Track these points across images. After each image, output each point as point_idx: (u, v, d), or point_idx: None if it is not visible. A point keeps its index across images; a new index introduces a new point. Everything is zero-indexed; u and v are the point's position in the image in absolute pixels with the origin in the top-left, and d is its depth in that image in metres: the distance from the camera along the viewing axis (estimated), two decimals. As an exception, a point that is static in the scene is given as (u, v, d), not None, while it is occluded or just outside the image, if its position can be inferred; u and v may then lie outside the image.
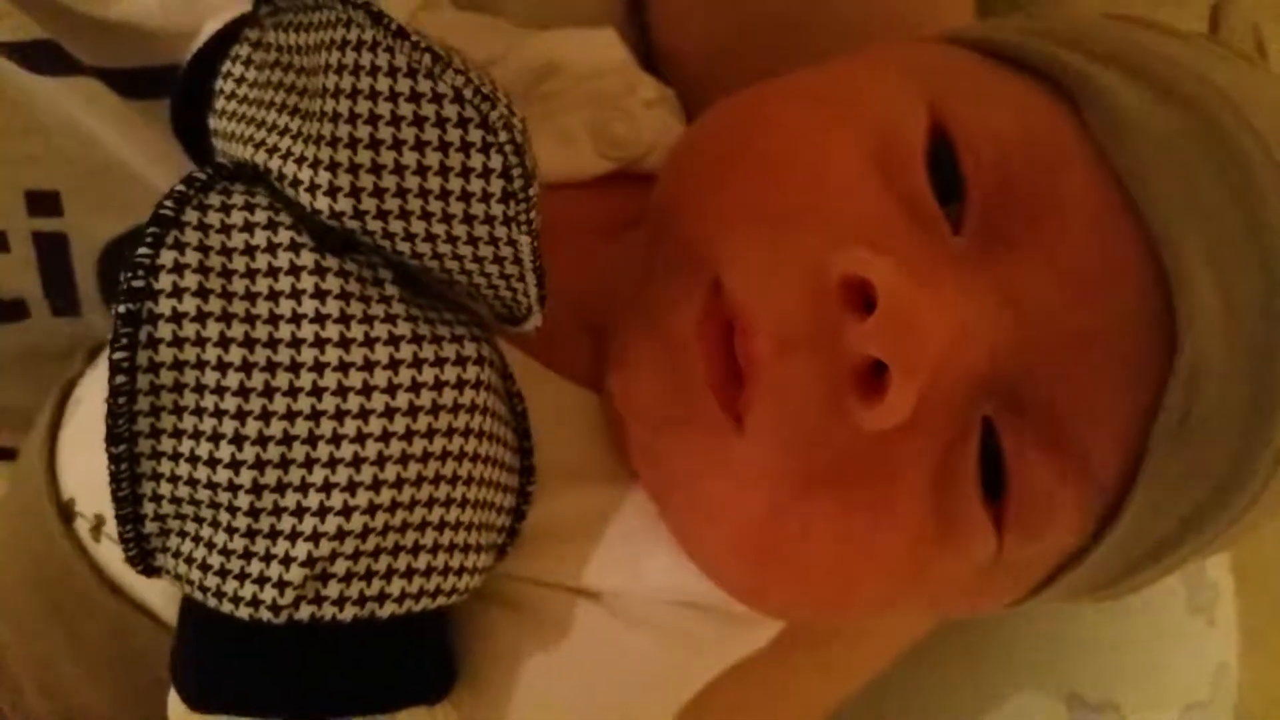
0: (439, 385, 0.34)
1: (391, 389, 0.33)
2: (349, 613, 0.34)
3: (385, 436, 0.33)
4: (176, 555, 0.35)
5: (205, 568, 0.34)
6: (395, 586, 0.34)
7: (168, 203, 0.33)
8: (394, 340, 0.33)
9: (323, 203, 0.32)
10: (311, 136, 0.33)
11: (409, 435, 0.33)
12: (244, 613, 0.34)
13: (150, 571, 0.36)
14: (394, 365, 0.33)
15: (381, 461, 0.33)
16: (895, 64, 0.39)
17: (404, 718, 0.37)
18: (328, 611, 0.34)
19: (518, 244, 0.33)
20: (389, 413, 0.33)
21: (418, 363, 0.33)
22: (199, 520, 0.34)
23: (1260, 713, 0.95)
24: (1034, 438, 0.35)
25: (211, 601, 0.34)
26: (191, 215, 0.33)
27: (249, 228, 0.34)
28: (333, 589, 0.34)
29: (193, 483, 0.33)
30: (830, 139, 0.37)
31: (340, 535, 0.33)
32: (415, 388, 0.33)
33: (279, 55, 0.35)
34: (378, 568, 0.34)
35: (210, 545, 0.34)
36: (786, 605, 0.42)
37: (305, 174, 0.33)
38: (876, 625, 0.56)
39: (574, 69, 0.48)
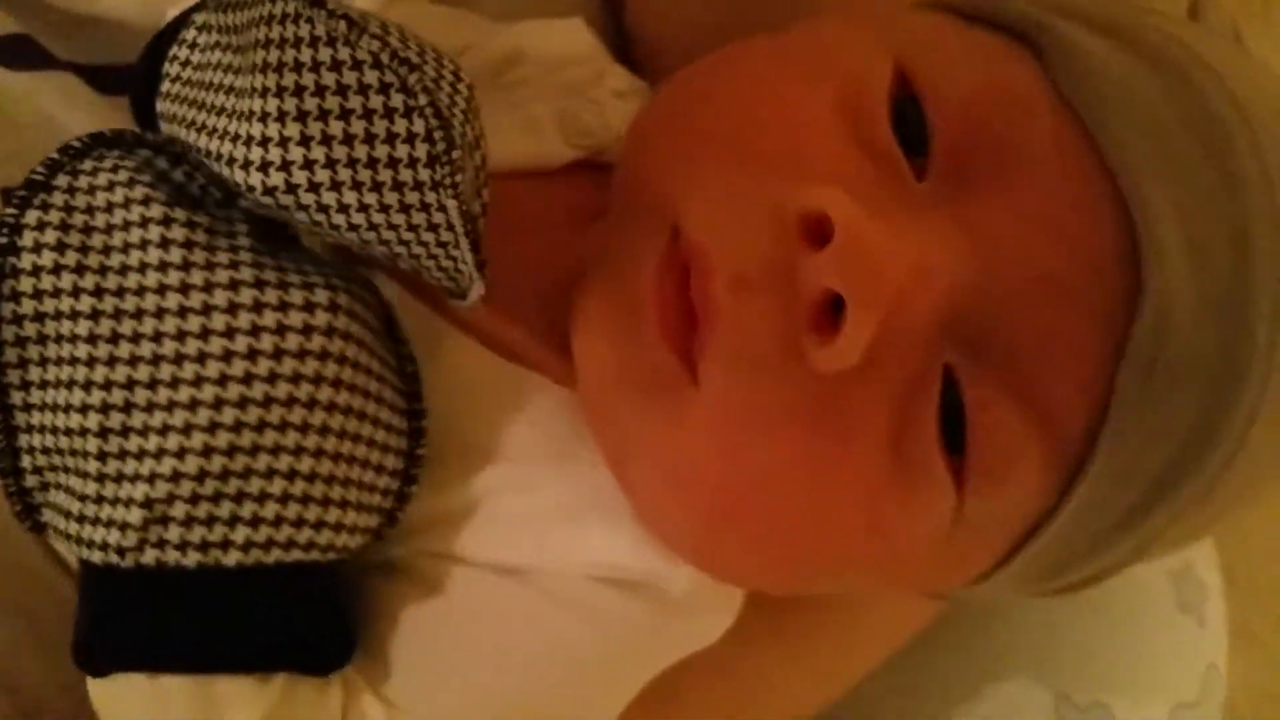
0: (282, 329, 0.34)
1: (229, 332, 0.34)
2: (192, 558, 0.35)
3: (223, 380, 0.34)
4: (53, 507, 0.36)
5: (68, 515, 0.36)
6: (239, 534, 0.35)
7: (40, 168, 0.36)
8: (234, 285, 0.34)
9: (256, 179, 0.33)
10: (244, 114, 0.33)
11: (248, 379, 0.34)
12: (97, 557, 0.35)
13: (37, 528, 0.37)
14: (233, 309, 0.34)
15: (218, 405, 0.34)
16: (861, 23, 0.39)
17: (282, 682, 0.37)
18: (170, 556, 0.35)
19: (446, 209, 0.33)
20: (227, 356, 0.34)
21: (258, 307, 0.34)
22: (66, 469, 0.36)
23: (1250, 712, 0.95)
24: (996, 387, 0.34)
25: (76, 549, 0.36)
26: (62, 180, 0.36)
27: (111, 187, 0.35)
28: (173, 533, 0.34)
29: (55, 431, 0.35)
30: (792, 89, 0.37)
31: (176, 477, 0.34)
32: (255, 331, 0.34)
33: (219, 36, 0.36)
34: (219, 513, 0.35)
35: (71, 492, 0.36)
36: (746, 565, 0.40)
37: (239, 151, 0.33)
38: (865, 620, 0.56)
39: (542, 58, 0.48)
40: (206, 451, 0.34)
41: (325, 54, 0.32)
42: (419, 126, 0.32)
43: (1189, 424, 0.34)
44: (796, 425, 0.35)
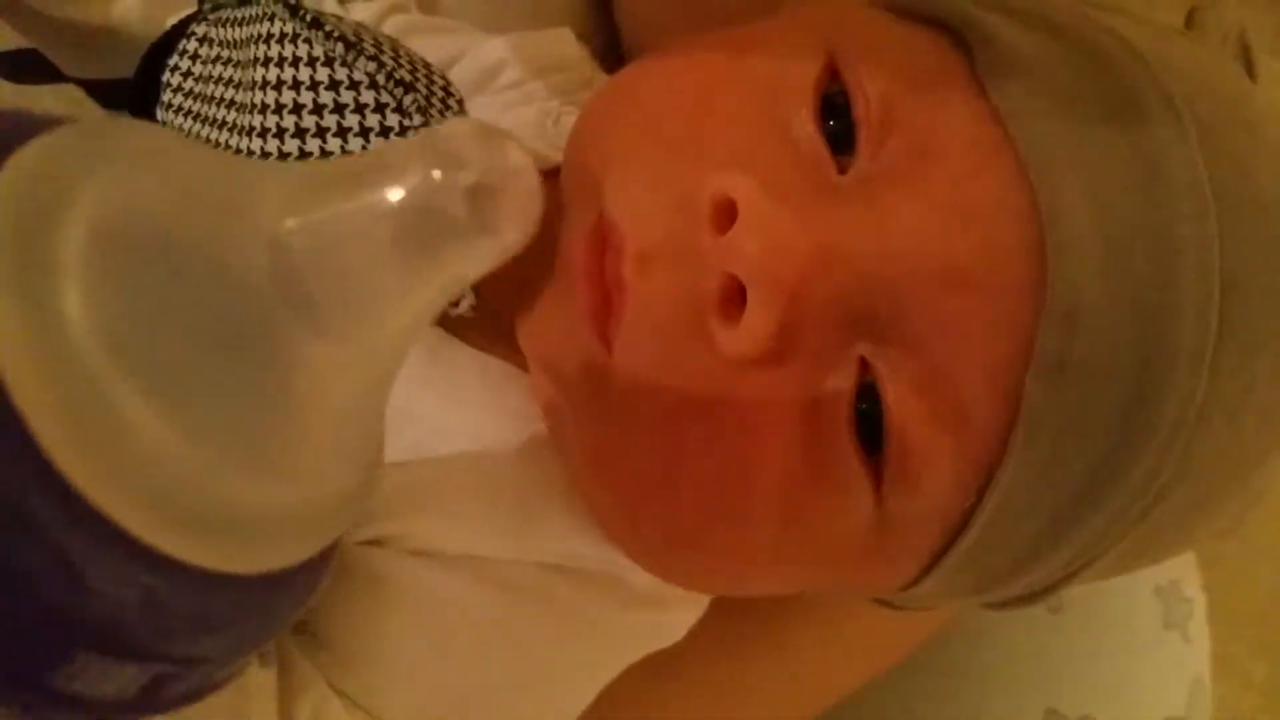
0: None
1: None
2: None
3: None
4: None
5: None
6: None
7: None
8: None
9: None
10: (243, 129, 0.34)
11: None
12: None
13: None
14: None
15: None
16: (801, 19, 0.40)
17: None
18: None
19: None
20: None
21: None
22: None
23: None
24: (910, 382, 0.34)
25: None
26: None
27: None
28: None
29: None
30: (721, 81, 0.37)
31: None
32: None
33: (220, 50, 0.37)
34: None
35: None
36: (668, 557, 0.40)
37: None
38: (850, 634, 0.56)
39: (528, 65, 0.48)
40: None
41: (323, 74, 0.33)
42: (392, 120, 0.33)
43: (1110, 428, 0.34)
44: (704, 411, 0.35)
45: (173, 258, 0.21)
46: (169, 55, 0.38)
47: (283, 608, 0.23)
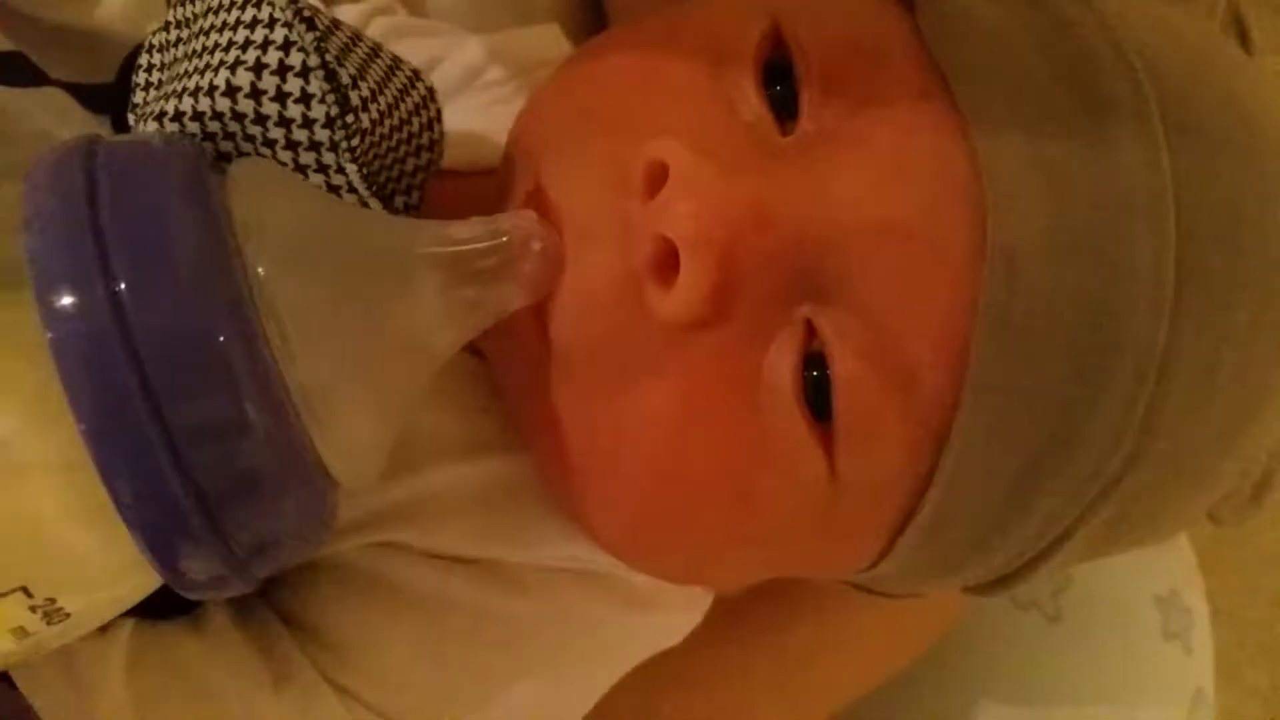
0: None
1: None
2: None
3: None
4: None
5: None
6: None
7: None
8: None
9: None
10: (179, 74, 0.34)
11: None
12: None
13: None
14: None
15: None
16: None
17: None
18: None
19: (346, 171, 0.34)
20: None
21: None
22: None
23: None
24: (856, 343, 0.33)
25: None
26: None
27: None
28: None
29: None
30: (659, 54, 0.37)
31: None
32: None
33: (178, 32, 0.37)
34: None
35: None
36: (628, 539, 0.40)
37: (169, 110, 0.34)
38: (849, 640, 0.56)
39: (513, 63, 0.48)
40: None
41: (249, 14, 0.33)
42: (315, 87, 0.33)
43: (1063, 383, 0.33)
44: (642, 381, 0.35)
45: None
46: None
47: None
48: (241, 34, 0.33)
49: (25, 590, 0.28)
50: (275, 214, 0.30)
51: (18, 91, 0.44)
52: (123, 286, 0.27)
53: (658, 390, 0.34)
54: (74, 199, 0.28)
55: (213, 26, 0.34)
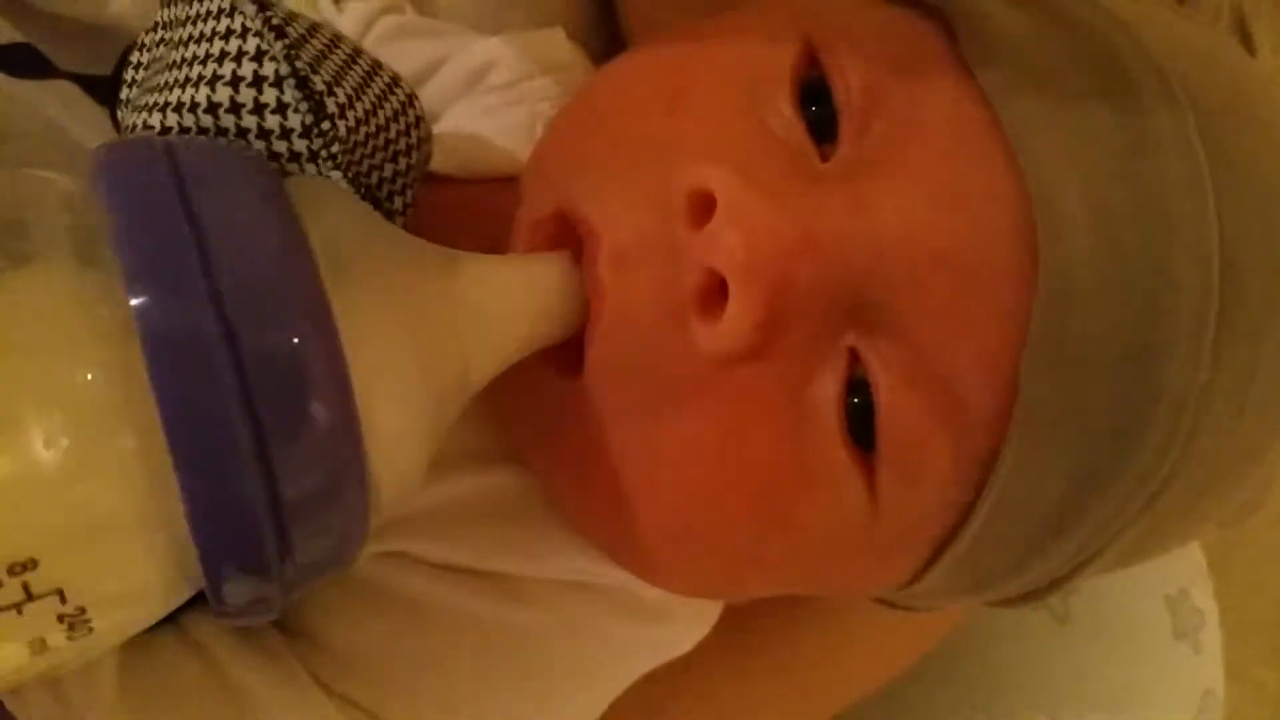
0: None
1: None
2: None
3: None
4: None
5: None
6: None
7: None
8: None
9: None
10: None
11: None
12: None
13: None
14: None
15: None
16: (773, 5, 0.39)
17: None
18: None
19: (331, 180, 0.33)
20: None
21: None
22: None
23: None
24: (903, 373, 0.33)
25: None
26: None
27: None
28: None
29: None
30: (693, 74, 0.36)
31: None
32: None
33: (164, 33, 0.36)
34: None
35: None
36: (657, 562, 0.39)
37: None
38: (856, 641, 0.55)
39: (519, 66, 0.48)
40: None
41: (223, 25, 0.33)
42: (289, 96, 0.32)
43: (1111, 413, 0.33)
44: (683, 409, 0.34)
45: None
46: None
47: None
48: (218, 45, 0.33)
49: (60, 595, 0.27)
50: (338, 228, 0.30)
51: (28, 84, 0.44)
52: (224, 287, 0.26)
53: (698, 418, 0.34)
54: (165, 199, 0.27)
55: (191, 37, 0.34)
